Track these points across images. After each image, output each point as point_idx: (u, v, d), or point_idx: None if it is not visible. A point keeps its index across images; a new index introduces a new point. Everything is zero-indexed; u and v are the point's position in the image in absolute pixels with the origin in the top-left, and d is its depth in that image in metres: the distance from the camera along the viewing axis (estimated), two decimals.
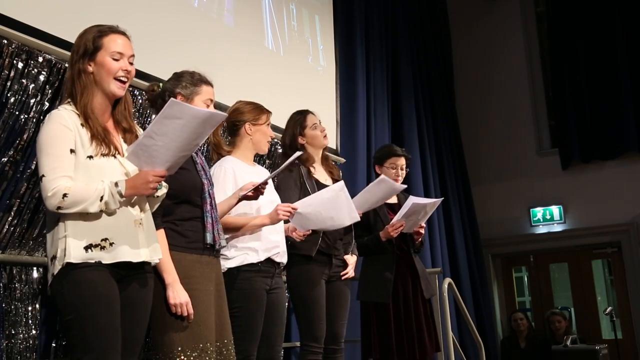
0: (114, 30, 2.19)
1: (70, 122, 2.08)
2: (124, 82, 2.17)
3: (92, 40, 2.14)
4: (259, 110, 3.03)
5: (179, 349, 2.29)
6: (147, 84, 3.67)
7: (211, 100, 2.60)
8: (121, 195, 2.05)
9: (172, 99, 2.09)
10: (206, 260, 2.47)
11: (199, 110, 2.08)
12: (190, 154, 2.20)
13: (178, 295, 2.31)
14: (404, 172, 3.79)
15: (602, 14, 7.55)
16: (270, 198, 2.93)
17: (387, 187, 3.40)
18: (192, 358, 2.29)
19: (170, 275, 2.32)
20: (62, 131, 2.06)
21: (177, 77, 2.61)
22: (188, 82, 2.58)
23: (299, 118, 3.43)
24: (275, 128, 4.64)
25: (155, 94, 2.61)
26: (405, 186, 3.63)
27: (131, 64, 2.20)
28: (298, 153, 2.86)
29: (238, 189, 2.73)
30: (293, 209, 2.83)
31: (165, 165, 2.10)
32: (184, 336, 2.31)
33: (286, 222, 3.01)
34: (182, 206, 2.45)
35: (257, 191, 2.66)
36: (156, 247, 2.20)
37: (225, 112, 2.99)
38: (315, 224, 3.05)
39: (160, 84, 2.64)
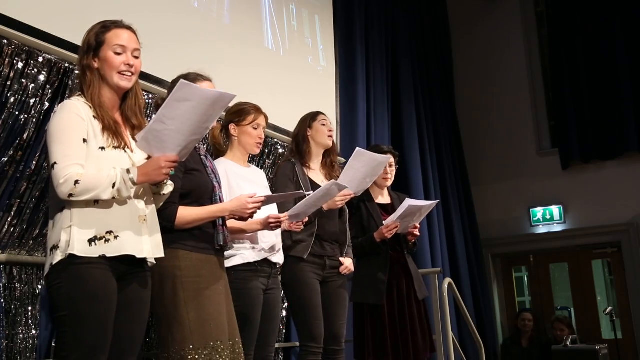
0: (117, 25, 2.20)
1: (84, 112, 2.08)
2: (128, 76, 2.17)
3: (95, 37, 2.16)
4: (243, 112, 3.02)
5: (191, 347, 2.30)
6: (146, 83, 3.70)
7: None
8: (133, 183, 2.05)
9: (181, 80, 2.09)
10: (215, 261, 2.49)
11: (209, 91, 2.08)
12: (201, 137, 2.19)
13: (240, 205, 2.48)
14: (393, 169, 3.78)
15: (602, 14, 7.55)
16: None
17: (369, 159, 3.30)
18: (203, 356, 2.30)
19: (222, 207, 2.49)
20: (75, 120, 2.05)
21: (172, 84, 2.64)
22: None
23: (314, 112, 3.49)
24: (275, 128, 4.67)
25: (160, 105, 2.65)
26: (389, 157, 3.50)
27: (136, 57, 2.20)
28: (306, 193, 2.83)
29: (229, 211, 2.59)
30: (284, 218, 2.82)
31: (176, 150, 2.10)
32: (196, 335, 2.32)
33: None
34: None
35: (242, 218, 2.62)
36: (159, 245, 2.20)
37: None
38: (309, 213, 3.08)
39: (163, 98, 2.68)
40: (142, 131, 2.10)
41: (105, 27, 2.18)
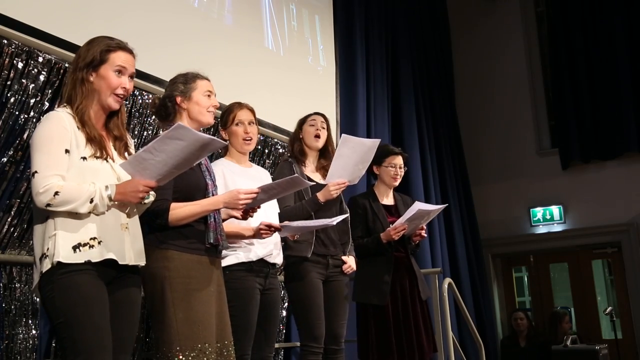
0: (122, 47, 2.23)
1: (68, 123, 2.11)
2: (120, 99, 2.22)
3: (100, 53, 2.18)
4: (224, 114, 3.03)
5: (177, 348, 2.30)
6: (146, 84, 3.71)
7: (210, 92, 2.62)
8: (110, 199, 2.09)
9: (179, 123, 2.15)
10: (207, 261, 2.46)
11: (201, 135, 2.12)
12: (182, 172, 2.23)
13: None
14: (402, 170, 3.76)
15: (602, 14, 7.55)
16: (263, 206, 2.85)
17: (357, 144, 3.24)
18: (190, 358, 2.30)
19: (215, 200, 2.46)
20: (59, 131, 2.09)
21: (172, 82, 2.65)
22: (181, 82, 2.61)
23: (307, 114, 3.48)
24: (275, 128, 4.67)
25: (157, 106, 2.66)
26: (378, 140, 3.39)
27: (130, 82, 2.25)
28: (292, 176, 2.71)
29: (222, 203, 2.55)
30: (276, 228, 2.79)
31: (156, 177, 2.14)
32: (183, 336, 2.31)
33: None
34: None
35: (246, 214, 2.59)
36: (141, 252, 2.23)
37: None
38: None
39: (160, 96, 2.68)
40: (129, 157, 2.17)
41: (110, 47, 2.20)
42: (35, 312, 3.14)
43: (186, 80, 2.61)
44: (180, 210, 2.40)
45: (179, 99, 2.58)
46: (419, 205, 3.44)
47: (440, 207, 3.60)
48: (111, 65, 2.18)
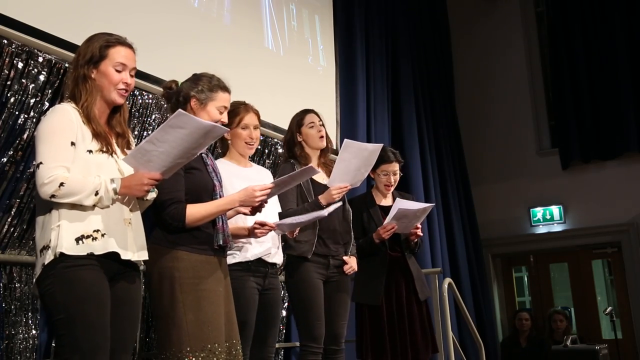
0: (121, 42, 2.23)
1: (74, 116, 2.11)
2: (124, 93, 2.22)
3: (99, 49, 2.18)
4: (231, 114, 2.92)
5: (188, 349, 2.30)
6: (147, 83, 3.70)
7: (225, 108, 2.59)
8: (115, 193, 2.09)
9: (179, 110, 2.11)
10: (215, 261, 2.47)
11: (203, 122, 2.11)
12: (187, 161, 2.22)
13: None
14: (397, 177, 3.75)
15: (602, 14, 7.55)
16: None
17: (359, 149, 3.21)
18: (200, 358, 2.30)
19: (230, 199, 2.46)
20: (65, 123, 2.08)
21: (195, 79, 2.59)
22: (205, 86, 2.56)
23: (299, 115, 3.43)
24: (275, 128, 4.67)
25: (171, 92, 2.61)
26: (381, 145, 3.38)
27: (132, 76, 2.24)
28: (306, 167, 2.72)
29: (238, 202, 2.52)
30: (270, 227, 2.75)
31: (161, 169, 2.14)
32: (193, 337, 2.31)
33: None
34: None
35: (255, 209, 2.58)
36: (143, 247, 2.23)
37: None
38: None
39: (179, 82, 2.63)
40: (132, 149, 2.16)
41: (110, 42, 2.20)
42: (35, 311, 3.14)
43: (210, 88, 2.56)
44: (196, 212, 2.39)
45: (193, 101, 2.54)
46: (399, 204, 3.44)
47: (426, 206, 3.57)
48: (111, 60, 2.18)
